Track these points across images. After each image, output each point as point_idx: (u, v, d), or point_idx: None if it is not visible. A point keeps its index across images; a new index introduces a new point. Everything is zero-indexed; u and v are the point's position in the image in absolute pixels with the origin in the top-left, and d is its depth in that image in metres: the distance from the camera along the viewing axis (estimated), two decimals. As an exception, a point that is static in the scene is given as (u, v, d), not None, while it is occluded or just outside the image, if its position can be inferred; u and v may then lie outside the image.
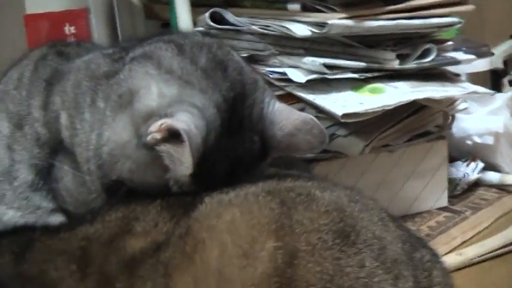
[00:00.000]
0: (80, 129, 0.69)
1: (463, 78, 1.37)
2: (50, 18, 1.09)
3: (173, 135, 0.59)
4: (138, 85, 0.64)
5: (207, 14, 1.02)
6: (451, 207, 1.12)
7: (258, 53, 1.01)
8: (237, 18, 1.02)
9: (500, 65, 1.54)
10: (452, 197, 1.15)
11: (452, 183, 1.17)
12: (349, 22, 0.93)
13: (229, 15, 1.03)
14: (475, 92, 1.03)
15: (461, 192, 1.17)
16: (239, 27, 1.02)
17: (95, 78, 0.70)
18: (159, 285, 0.55)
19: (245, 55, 1.01)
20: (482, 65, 1.40)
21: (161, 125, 0.60)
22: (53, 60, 0.78)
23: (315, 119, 0.67)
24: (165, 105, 0.62)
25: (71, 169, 0.71)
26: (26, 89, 0.77)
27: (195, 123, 0.59)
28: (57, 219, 0.75)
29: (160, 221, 0.60)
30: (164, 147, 0.60)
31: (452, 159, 1.24)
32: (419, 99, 0.96)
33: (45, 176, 0.75)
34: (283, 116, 0.67)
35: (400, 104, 0.93)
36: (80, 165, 0.70)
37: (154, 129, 0.60)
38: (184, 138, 0.57)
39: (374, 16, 0.96)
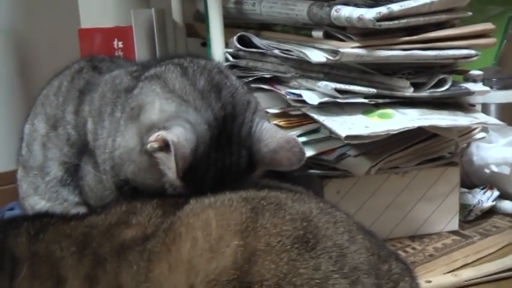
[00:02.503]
0: (100, 135, 0.81)
1: (492, 108, 1.43)
2: (101, 33, 1.21)
3: (167, 145, 0.69)
4: (145, 101, 0.75)
5: (235, 37, 1.12)
6: (461, 231, 1.17)
7: (280, 74, 1.10)
8: (262, 41, 1.12)
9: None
10: (465, 222, 1.20)
11: (467, 208, 1.22)
12: (361, 51, 1.01)
13: (255, 39, 1.12)
14: (484, 123, 1.08)
15: (475, 218, 1.22)
16: (264, 50, 1.11)
17: (116, 91, 0.82)
18: (142, 268, 0.66)
19: (268, 76, 1.11)
20: (512, 95, 1.44)
21: (158, 135, 0.70)
22: (88, 73, 0.91)
23: (296, 139, 0.76)
24: (164, 120, 0.72)
25: (92, 169, 0.83)
26: (63, 96, 0.90)
27: (186, 136, 0.69)
28: (80, 211, 0.87)
29: (154, 216, 0.71)
30: (159, 155, 0.71)
31: (473, 186, 1.29)
32: (424, 126, 1.02)
33: (72, 174, 0.88)
34: (269, 135, 0.76)
35: (405, 129, 0.99)
36: (99, 165, 0.81)
37: (153, 139, 0.71)
38: (172, 148, 0.67)
39: (388, 46, 1.03)
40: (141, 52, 1.16)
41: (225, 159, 0.74)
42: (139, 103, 0.76)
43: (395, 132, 0.99)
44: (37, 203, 0.90)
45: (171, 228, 0.67)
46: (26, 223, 0.74)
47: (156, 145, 0.70)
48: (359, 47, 1.01)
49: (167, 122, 0.72)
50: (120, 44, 1.20)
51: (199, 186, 0.73)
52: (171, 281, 0.64)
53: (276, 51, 1.09)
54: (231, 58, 1.13)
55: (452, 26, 1.12)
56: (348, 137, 0.96)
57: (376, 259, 0.71)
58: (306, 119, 1.06)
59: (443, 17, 1.08)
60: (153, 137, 0.71)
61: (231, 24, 1.19)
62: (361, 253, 0.69)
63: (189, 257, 0.64)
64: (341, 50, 0.99)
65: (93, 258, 0.68)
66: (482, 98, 1.27)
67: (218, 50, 1.11)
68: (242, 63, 1.13)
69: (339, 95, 1.02)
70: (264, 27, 1.18)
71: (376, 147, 1.08)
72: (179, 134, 0.69)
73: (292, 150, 0.75)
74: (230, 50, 1.14)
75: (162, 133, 0.70)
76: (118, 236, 0.69)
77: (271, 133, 0.76)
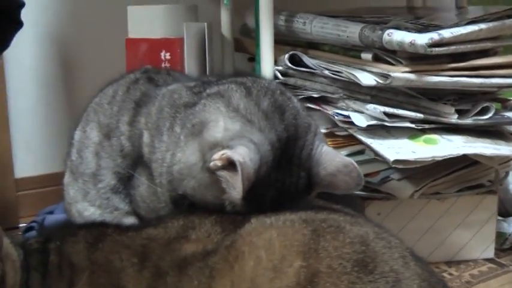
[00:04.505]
0: (158, 148, 0.82)
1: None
2: (149, 43, 1.22)
3: (231, 164, 0.70)
4: (209, 118, 0.76)
5: (286, 56, 1.13)
6: (497, 259, 1.17)
7: (328, 95, 1.11)
8: (312, 61, 1.13)
9: None
10: (500, 250, 1.20)
11: (502, 237, 1.22)
12: (411, 76, 1.01)
13: (306, 58, 1.14)
14: (526, 153, 1.09)
15: (510, 247, 1.22)
16: (313, 70, 1.12)
17: (175, 106, 0.83)
18: (204, 284, 0.67)
19: (316, 95, 1.12)
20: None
21: (222, 154, 0.71)
22: (144, 85, 0.91)
23: (354, 163, 0.76)
24: (228, 138, 0.73)
25: (147, 180, 0.84)
26: (118, 105, 0.90)
27: (250, 156, 0.71)
28: (130, 220, 0.88)
29: (213, 233, 0.72)
30: (223, 173, 0.72)
31: (507, 214, 1.29)
32: (469, 154, 1.02)
33: (125, 183, 0.88)
34: (328, 158, 0.77)
35: (450, 156, 1.00)
36: (154, 178, 0.82)
37: (217, 157, 0.72)
38: (238, 168, 0.68)
39: (436, 72, 1.04)
40: (190, 65, 1.17)
41: (284, 180, 0.75)
42: (202, 120, 0.77)
43: (440, 159, 1.00)
44: (86, 209, 0.90)
45: (234, 245, 0.68)
46: (82, 231, 0.75)
47: (219, 163, 0.71)
48: (409, 72, 1.02)
49: (231, 141, 0.73)
50: (168, 56, 1.21)
51: (258, 205, 0.74)
52: (233, 298, 0.66)
53: (326, 72, 1.10)
54: (280, 76, 1.14)
55: (495, 53, 1.13)
56: (395, 161, 0.97)
57: (426, 285, 0.72)
58: (351, 140, 1.07)
59: (488, 44, 1.09)
60: (217, 155, 0.72)
61: (278, 41, 1.20)
62: (414, 279, 0.70)
63: (252, 275, 0.65)
64: (392, 74, 1.00)
65: (154, 271, 0.69)
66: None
67: (267, 67, 1.12)
68: (291, 81, 1.15)
69: (387, 119, 1.03)
70: (312, 46, 1.20)
71: (419, 172, 1.08)
72: (244, 154, 0.70)
73: (350, 175, 0.76)
74: (279, 68, 1.15)
75: (227, 152, 0.71)
76: (179, 250, 0.70)
77: (330, 156, 0.77)
